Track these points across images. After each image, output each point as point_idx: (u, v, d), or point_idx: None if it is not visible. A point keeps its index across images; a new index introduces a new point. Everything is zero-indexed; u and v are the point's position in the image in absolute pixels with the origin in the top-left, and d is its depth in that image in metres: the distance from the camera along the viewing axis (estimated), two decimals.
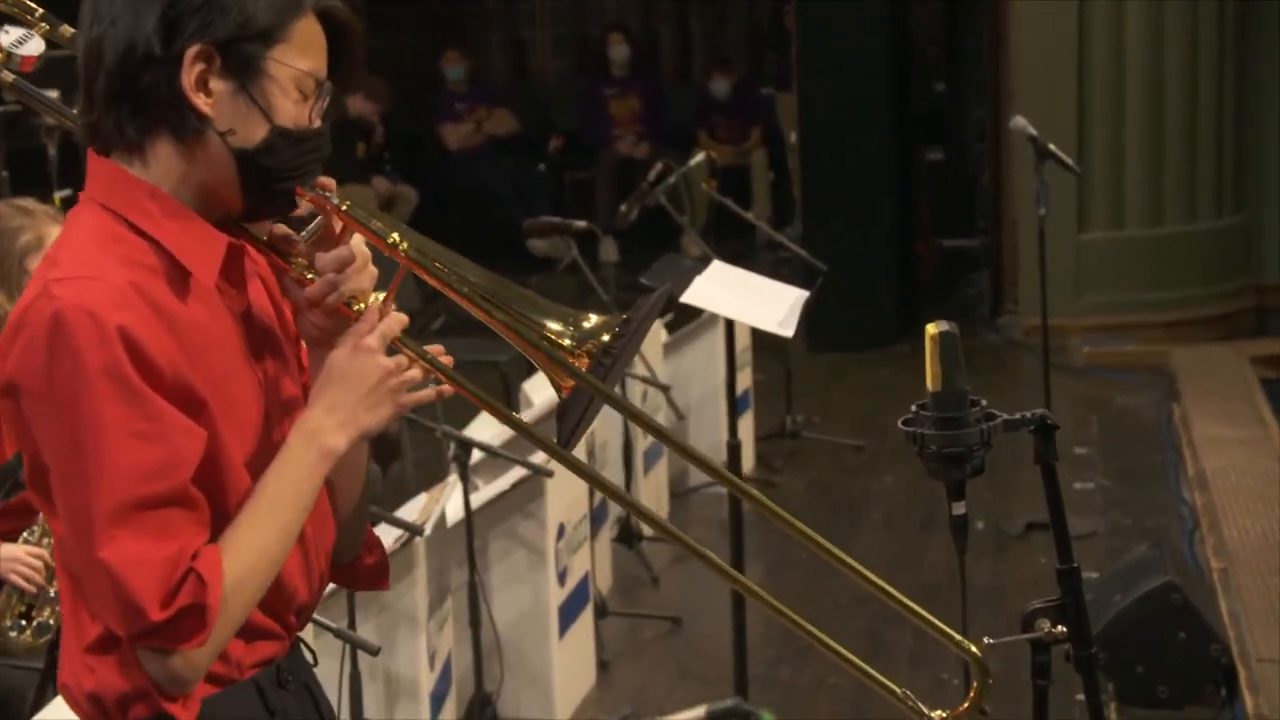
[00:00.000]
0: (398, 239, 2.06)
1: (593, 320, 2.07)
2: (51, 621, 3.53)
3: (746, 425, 6.89)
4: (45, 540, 3.49)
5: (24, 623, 3.56)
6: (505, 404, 2.17)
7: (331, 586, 2.19)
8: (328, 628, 3.38)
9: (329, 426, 1.99)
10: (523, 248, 10.48)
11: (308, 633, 3.10)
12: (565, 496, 4.76)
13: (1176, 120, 8.87)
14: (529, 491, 4.60)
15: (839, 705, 4.77)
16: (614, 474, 5.71)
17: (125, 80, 1.94)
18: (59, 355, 1.86)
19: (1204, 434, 6.85)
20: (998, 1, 9.21)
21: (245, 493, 1.97)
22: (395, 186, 10.97)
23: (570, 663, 4.82)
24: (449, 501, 4.32)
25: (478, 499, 4.42)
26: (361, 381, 2.00)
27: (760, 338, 6.90)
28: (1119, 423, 7.57)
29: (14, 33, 2.40)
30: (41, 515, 3.03)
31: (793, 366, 7.40)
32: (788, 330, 4.24)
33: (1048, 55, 8.75)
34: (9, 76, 2.40)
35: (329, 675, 3.59)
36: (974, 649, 2.06)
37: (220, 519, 1.94)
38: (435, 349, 2.08)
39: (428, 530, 4.00)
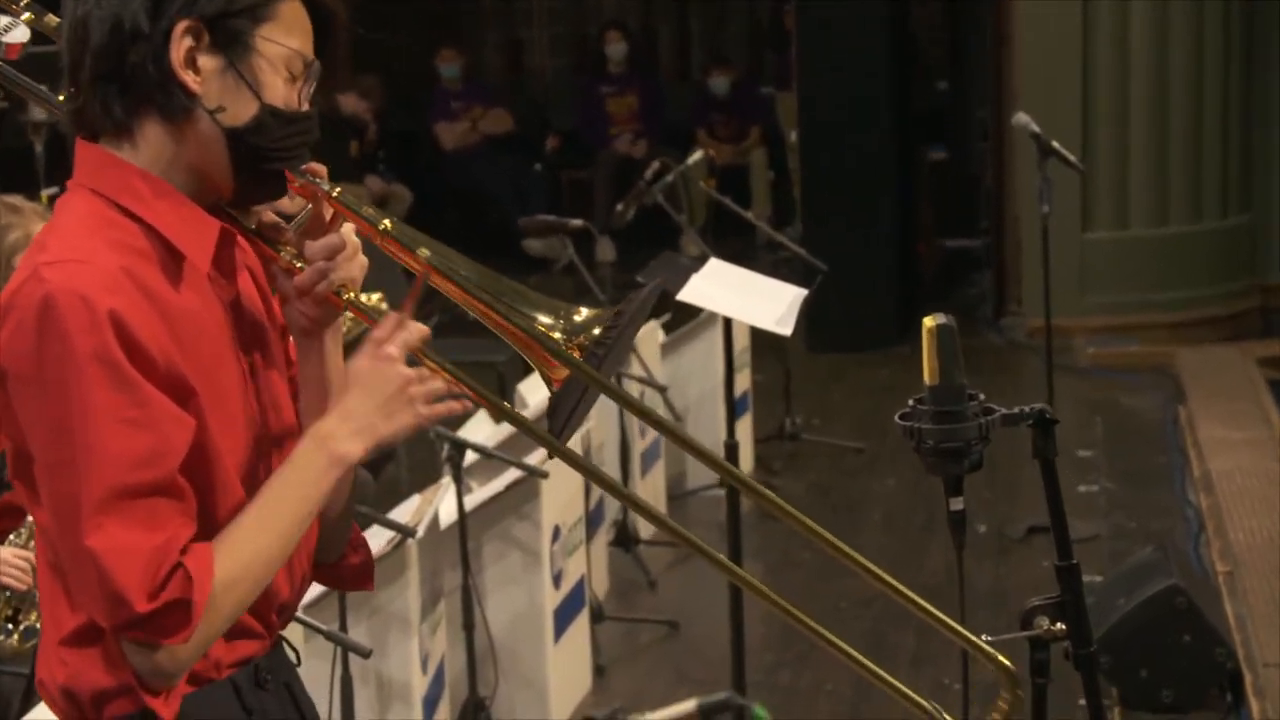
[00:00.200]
0: (388, 225, 2.07)
1: (584, 314, 2.08)
2: (38, 625, 3.53)
3: (745, 427, 6.89)
4: (33, 543, 3.49)
5: (10, 626, 3.56)
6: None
7: (323, 589, 2.19)
8: (318, 630, 3.37)
9: (343, 433, 1.98)
10: (519, 248, 10.49)
11: (296, 634, 3.10)
12: (560, 498, 4.76)
13: (1182, 119, 8.87)
14: (523, 493, 4.60)
15: (838, 709, 4.77)
16: (610, 475, 5.70)
17: (112, 59, 1.95)
18: (48, 339, 1.85)
19: (1209, 436, 6.85)
20: (1000, 2, 9.21)
21: (230, 485, 1.97)
22: (389, 186, 10.98)
23: (565, 667, 4.81)
24: (442, 503, 4.32)
25: (471, 501, 4.42)
26: (380, 389, 1.99)
27: (759, 338, 6.90)
28: (1123, 424, 7.57)
29: None
30: (30, 518, 3.03)
31: (792, 367, 7.39)
32: (786, 329, 4.24)
33: (1051, 53, 8.75)
34: None
35: (320, 678, 3.59)
36: (1006, 662, 2.05)
37: (205, 511, 1.94)
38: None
39: (420, 532, 4.00)
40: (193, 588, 1.87)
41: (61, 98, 2.04)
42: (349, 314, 2.13)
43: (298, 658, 2.16)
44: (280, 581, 2.06)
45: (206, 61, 1.95)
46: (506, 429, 4.73)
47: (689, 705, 4.42)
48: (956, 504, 1.95)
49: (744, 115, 11.99)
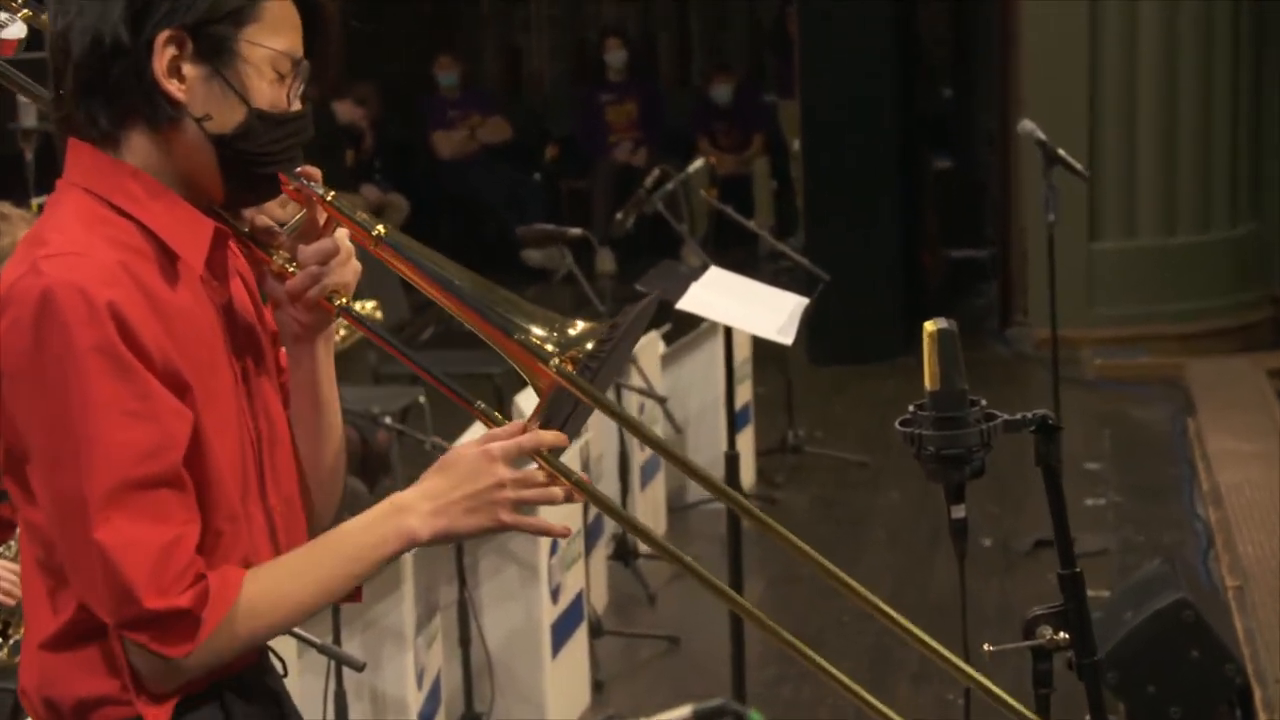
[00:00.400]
0: (382, 231, 2.08)
1: (579, 327, 2.08)
2: None
3: (747, 439, 6.89)
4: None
5: (1, 640, 3.56)
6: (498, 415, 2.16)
7: None
8: (311, 643, 3.37)
9: (420, 510, 1.99)
10: (517, 259, 10.50)
11: (289, 647, 3.11)
12: (558, 511, 4.76)
13: (1190, 125, 8.87)
14: (526, 513, 4.59)
15: None
16: (609, 488, 5.71)
17: (94, 72, 1.95)
18: (48, 332, 1.86)
19: (1219, 448, 6.85)
20: (1006, 5, 9.23)
21: (222, 486, 1.97)
22: (385, 195, 10.99)
23: (563, 683, 4.81)
24: None
25: None
26: (470, 481, 1.99)
27: (761, 349, 6.91)
28: (1132, 437, 7.57)
29: None
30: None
31: (794, 379, 7.40)
32: (787, 338, 4.25)
33: (1058, 59, 8.76)
34: None
35: (313, 692, 3.60)
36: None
37: (200, 508, 1.94)
38: (581, 476, 2.07)
39: None
40: (208, 604, 1.88)
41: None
42: (343, 323, 2.13)
43: (284, 668, 2.16)
44: None
45: (190, 70, 1.96)
46: None
47: (685, 711, 4.42)
48: (958, 511, 1.96)
49: (746, 123, 12.00)
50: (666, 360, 6.59)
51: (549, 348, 2.04)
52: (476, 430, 5.16)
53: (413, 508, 1.99)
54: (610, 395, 5.61)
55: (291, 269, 2.07)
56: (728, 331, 4.57)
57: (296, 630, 3.27)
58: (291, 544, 2.10)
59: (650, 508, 6.25)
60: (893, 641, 5.18)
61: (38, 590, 1.96)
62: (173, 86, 1.95)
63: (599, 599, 5.57)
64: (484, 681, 4.49)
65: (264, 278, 2.11)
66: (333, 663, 3.58)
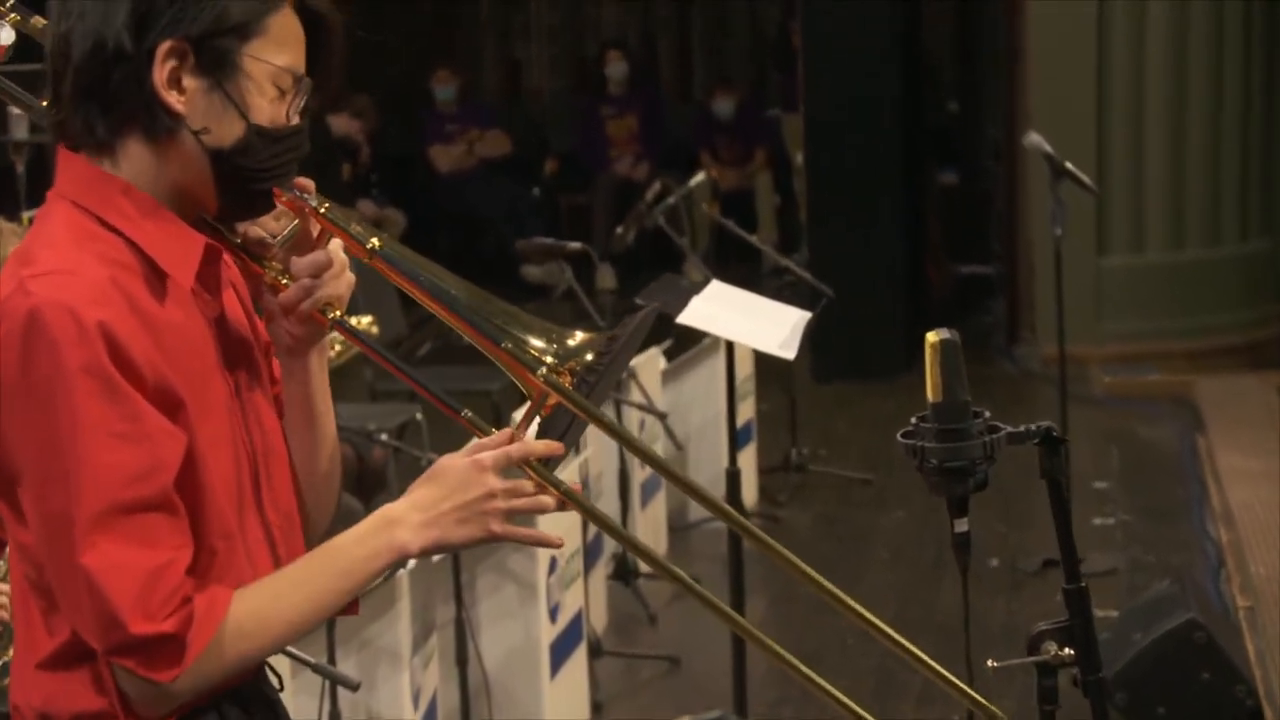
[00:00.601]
0: (377, 244, 2.08)
1: (578, 338, 2.09)
2: None
3: (749, 457, 6.90)
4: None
5: None
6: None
7: None
8: (305, 662, 3.38)
9: (410, 522, 2.00)
10: (516, 274, 10.51)
11: (283, 666, 3.11)
12: (557, 529, 4.76)
13: (1200, 139, 8.89)
14: (519, 523, 4.59)
15: None
16: (609, 507, 5.71)
17: (94, 78, 1.95)
18: (36, 353, 1.86)
19: (1230, 467, 6.85)
20: (1012, 16, 9.24)
21: (216, 504, 1.97)
22: (382, 210, 11.01)
23: (562, 703, 4.81)
24: None
25: None
26: (460, 492, 2.00)
27: (763, 366, 6.91)
28: (1141, 456, 7.57)
29: None
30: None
31: (797, 396, 7.41)
32: (789, 352, 4.25)
33: (1065, 70, 8.77)
34: None
35: (307, 713, 3.60)
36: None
37: (192, 529, 1.94)
38: (574, 486, 2.08)
39: (411, 563, 4.00)
40: (192, 628, 1.88)
41: (44, 103, 2.05)
42: (338, 337, 2.14)
43: (280, 684, 2.16)
44: None
45: (191, 82, 1.96)
46: None
47: None
48: (961, 525, 1.96)
49: (748, 137, 12.02)
50: (667, 376, 6.59)
51: (547, 359, 2.05)
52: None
53: (403, 520, 2.00)
54: (610, 411, 5.63)
55: (284, 281, 2.07)
56: (729, 347, 4.58)
57: (291, 649, 3.27)
58: (291, 557, 2.10)
59: (651, 527, 6.25)
60: (897, 663, 5.15)
61: (32, 610, 1.96)
62: (172, 98, 1.95)
63: (598, 619, 5.57)
64: (481, 702, 4.49)
65: (257, 289, 2.11)
66: (327, 682, 3.58)
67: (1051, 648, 2.01)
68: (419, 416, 6.34)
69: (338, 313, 2.08)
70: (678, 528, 6.55)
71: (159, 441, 1.89)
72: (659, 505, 6.36)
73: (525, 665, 4.64)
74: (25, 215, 6.39)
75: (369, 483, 5.86)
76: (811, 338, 4.62)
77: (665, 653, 5.51)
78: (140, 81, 1.94)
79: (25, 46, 2.37)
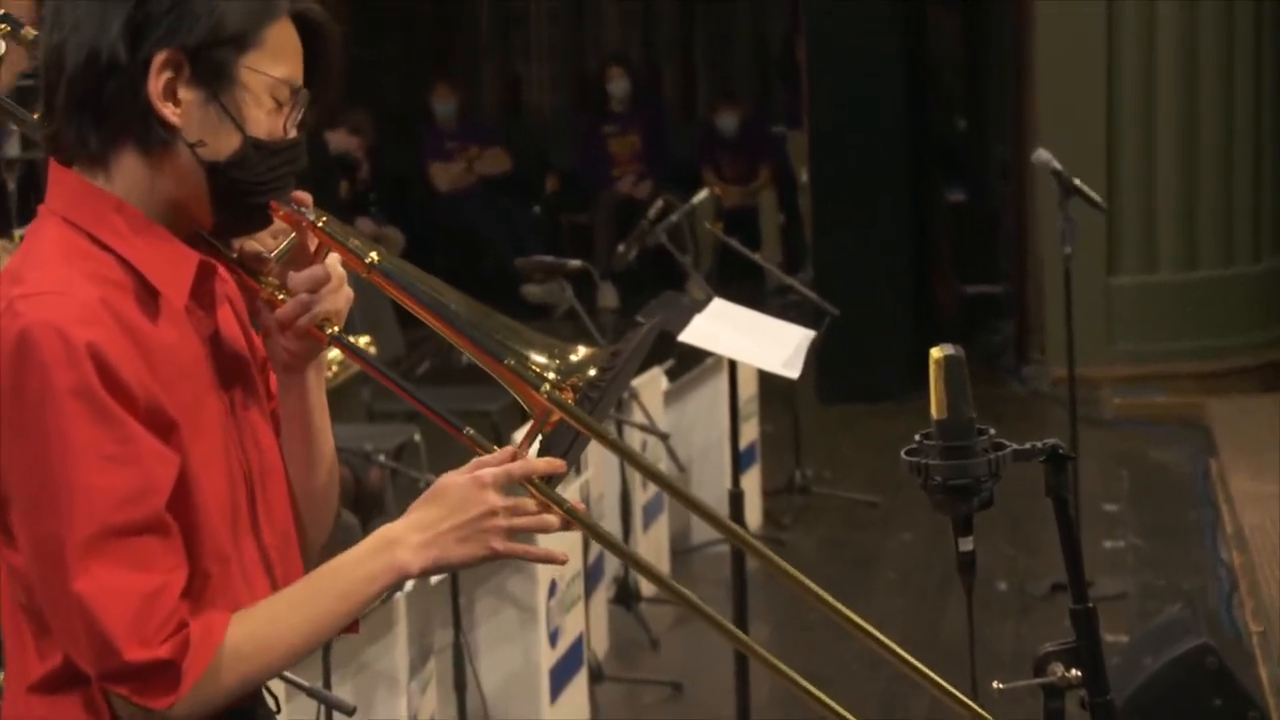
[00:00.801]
0: (375, 258, 2.09)
1: (580, 353, 2.10)
2: None
3: (753, 479, 6.90)
4: None
5: None
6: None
7: None
8: (300, 686, 3.37)
9: (409, 542, 2.00)
10: (516, 294, 10.51)
11: (280, 689, 3.11)
12: (557, 550, 4.76)
13: (1212, 156, 8.90)
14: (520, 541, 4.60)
15: None
16: (611, 529, 5.68)
17: (88, 89, 1.95)
18: (25, 375, 1.86)
19: (1242, 490, 6.85)
20: (1020, 30, 9.26)
21: (211, 524, 1.97)
22: (381, 228, 11.02)
23: None
24: None
25: None
26: (460, 510, 2.00)
27: (767, 387, 6.92)
28: (1152, 478, 7.58)
29: None
30: None
31: (802, 417, 7.41)
32: (793, 371, 4.26)
33: (1074, 86, 8.79)
34: None
35: None
36: None
37: (188, 553, 1.94)
38: (577, 504, 2.09)
39: (409, 585, 4.01)
40: (188, 654, 1.88)
41: (36, 116, 2.06)
42: (337, 357, 2.15)
43: (277, 705, 2.17)
44: None
45: (187, 94, 1.96)
46: None
47: None
48: (966, 544, 1.97)
49: (753, 155, 12.04)
50: (670, 397, 6.60)
51: (549, 375, 2.06)
52: None
53: (403, 540, 2.00)
54: (611, 431, 5.63)
55: (281, 297, 2.07)
56: (732, 366, 4.58)
57: (286, 673, 3.27)
58: (289, 578, 2.10)
59: (653, 549, 6.25)
60: (903, 688, 5.18)
61: (23, 633, 1.97)
62: (167, 110, 1.95)
63: (599, 643, 5.57)
64: None
65: (254, 305, 2.12)
66: (322, 707, 3.58)
67: (1058, 669, 2.01)
68: (417, 438, 6.35)
69: (335, 328, 2.08)
70: (680, 550, 6.56)
71: (150, 463, 1.89)
72: (661, 527, 6.36)
73: (525, 690, 4.65)
74: (17, 233, 6.41)
75: (366, 504, 5.87)
76: (817, 358, 4.63)
77: (667, 678, 5.51)
78: (135, 93, 1.94)
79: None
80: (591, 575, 5.42)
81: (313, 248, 2.09)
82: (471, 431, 2.08)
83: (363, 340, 5.05)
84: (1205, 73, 8.84)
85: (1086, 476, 6.41)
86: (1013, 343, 9.53)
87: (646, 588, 5.98)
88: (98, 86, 1.95)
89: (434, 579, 4.34)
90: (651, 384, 6.29)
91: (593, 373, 2.08)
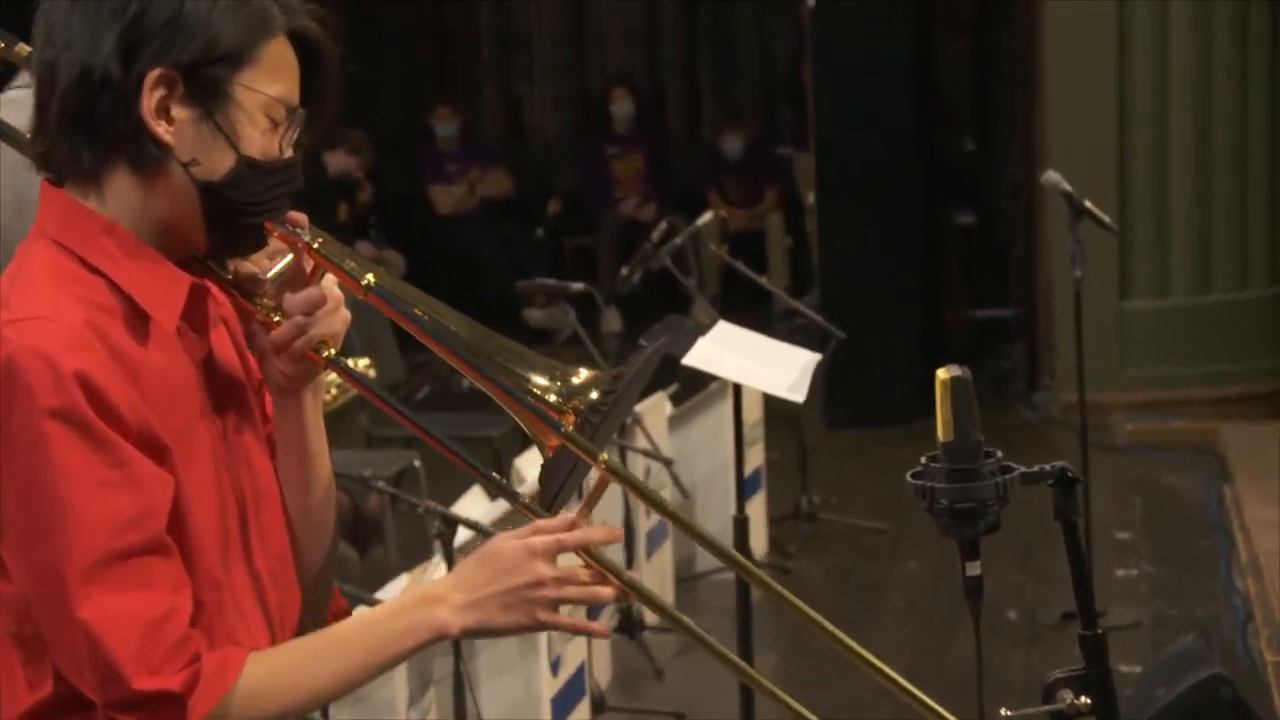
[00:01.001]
0: (372, 280, 2.09)
1: (582, 375, 2.10)
2: None
3: (758, 506, 6.90)
4: None
5: None
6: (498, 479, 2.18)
7: None
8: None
9: (453, 602, 1.99)
10: (518, 318, 10.53)
11: None
12: (597, 625, 4.75)
13: (1226, 179, 8.90)
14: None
15: None
16: (614, 557, 5.69)
17: (80, 106, 1.95)
18: (12, 402, 1.86)
19: (1257, 517, 6.85)
20: (1030, 50, 9.27)
21: (203, 550, 1.97)
22: (381, 252, 11.05)
23: None
24: None
25: None
26: (508, 576, 2.00)
27: (773, 412, 6.92)
28: (1165, 505, 7.57)
29: None
30: None
31: (809, 443, 7.41)
32: (798, 395, 4.27)
33: (1084, 106, 8.79)
34: None
35: None
36: None
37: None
38: (631, 575, 2.08)
39: None
40: (198, 688, 1.88)
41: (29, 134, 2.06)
42: (334, 382, 2.15)
43: None
44: None
45: (180, 112, 1.96)
46: (501, 505, 4.74)
47: None
48: (973, 569, 1.96)
49: (758, 177, 12.06)
50: (674, 422, 6.60)
51: (552, 398, 2.06)
52: (474, 495, 5.17)
53: (445, 598, 1.99)
54: (614, 457, 5.63)
55: (277, 319, 2.07)
56: (737, 390, 4.59)
57: None
58: (284, 604, 2.10)
59: (657, 578, 6.25)
60: (909, 718, 5.17)
61: (11, 663, 1.96)
62: (160, 128, 1.95)
63: (602, 672, 5.57)
64: None
65: (249, 326, 2.12)
66: None
67: (1067, 696, 2.01)
68: (417, 464, 6.35)
69: (332, 351, 2.08)
70: (684, 579, 6.55)
71: (148, 485, 1.89)
72: (665, 555, 6.36)
73: None
74: None
75: (364, 531, 5.87)
76: (824, 384, 4.63)
77: (671, 708, 5.50)
78: (127, 111, 1.94)
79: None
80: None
81: (309, 269, 2.08)
82: (526, 499, 2.08)
83: (361, 364, 5.05)
84: (1218, 94, 8.85)
85: (1098, 504, 6.40)
86: (1023, 368, 9.52)
87: (650, 616, 5.98)
88: (90, 104, 1.95)
89: None
90: (655, 409, 6.29)
91: (595, 396, 2.08)
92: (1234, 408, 8.68)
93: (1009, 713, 2.01)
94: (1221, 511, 7.31)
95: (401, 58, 13.06)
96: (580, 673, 4.96)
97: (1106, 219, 6.34)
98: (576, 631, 2.09)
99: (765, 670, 5.45)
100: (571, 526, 2.03)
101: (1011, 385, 9.51)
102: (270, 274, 2.09)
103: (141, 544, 1.88)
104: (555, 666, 4.74)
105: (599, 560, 2.03)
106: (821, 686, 5.38)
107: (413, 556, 5.83)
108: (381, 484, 5.71)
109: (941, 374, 1.91)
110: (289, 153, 2.04)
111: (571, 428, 2.07)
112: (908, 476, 1.96)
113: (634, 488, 2.24)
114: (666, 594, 6.34)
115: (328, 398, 3.00)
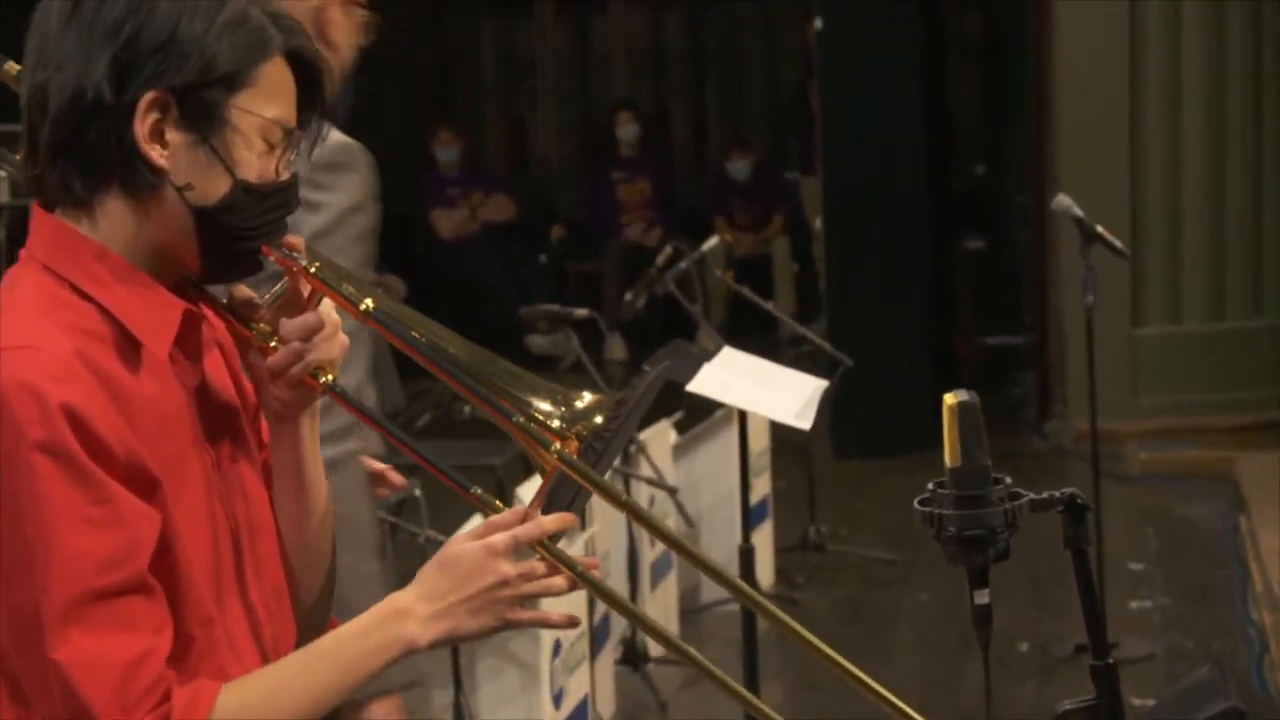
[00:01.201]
0: (371, 304, 2.08)
1: (585, 400, 2.10)
2: None
3: (765, 535, 6.89)
4: None
5: None
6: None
7: None
8: None
9: (421, 614, 1.99)
10: (521, 345, 10.54)
11: None
12: (561, 609, 4.75)
13: (1240, 204, 8.90)
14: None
15: None
16: (618, 587, 5.70)
17: (72, 131, 1.93)
18: None
19: (1273, 547, 6.83)
20: (1041, 75, 9.28)
21: (194, 584, 1.95)
22: (381, 277, 11.04)
23: None
24: None
25: None
26: (472, 580, 1.99)
27: (780, 441, 6.92)
28: (1179, 536, 7.56)
29: None
30: None
31: (816, 473, 7.40)
32: (805, 422, 4.26)
33: (1097, 131, 8.80)
34: None
35: None
36: None
37: (170, 614, 1.93)
38: (589, 561, 2.08)
39: None
40: None
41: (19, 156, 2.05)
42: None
43: None
44: None
45: (175, 136, 1.94)
46: None
47: None
48: (981, 597, 1.96)
49: (765, 202, 12.08)
50: (679, 450, 6.59)
51: (553, 423, 2.06)
52: (474, 524, 5.16)
53: (412, 611, 1.99)
54: (618, 485, 5.63)
55: (273, 344, 2.06)
56: (743, 418, 4.59)
57: None
58: (280, 635, 2.09)
59: (661, 609, 6.23)
60: None
61: None
62: (154, 152, 1.93)
63: (605, 705, 5.55)
64: None
65: (246, 350, 2.11)
66: None
67: None
68: (418, 492, 6.33)
69: (330, 377, 2.06)
70: (689, 610, 6.54)
71: (132, 523, 1.87)
72: (670, 586, 6.35)
73: None
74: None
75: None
76: (832, 412, 4.63)
77: None
78: (120, 135, 1.93)
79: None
80: (598, 635, 5.40)
81: (306, 294, 2.08)
82: (479, 491, 2.08)
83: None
84: (1231, 118, 8.86)
85: (1111, 534, 6.39)
86: (1034, 396, 9.51)
87: (654, 648, 5.97)
88: (81, 129, 1.93)
89: None
90: (660, 437, 6.29)
91: (598, 420, 2.07)
92: (1249, 436, 8.66)
93: None
94: (1236, 542, 7.30)
95: (402, 80, 13.08)
96: (583, 706, 4.95)
97: (1118, 244, 6.34)
98: (542, 625, 2.08)
99: (771, 702, 5.44)
100: (525, 519, 2.02)
101: (1023, 413, 9.50)
102: (266, 298, 2.09)
103: (124, 583, 1.86)
104: (558, 699, 4.73)
105: (551, 552, 2.04)
106: (829, 719, 5.37)
107: (410, 581, 5.82)
108: (382, 513, 5.73)
109: (949, 398, 1.91)
110: (285, 175, 2.03)
111: (573, 453, 2.06)
112: (915, 503, 1.95)
113: (638, 516, 2.23)
114: (671, 626, 6.32)
115: None
